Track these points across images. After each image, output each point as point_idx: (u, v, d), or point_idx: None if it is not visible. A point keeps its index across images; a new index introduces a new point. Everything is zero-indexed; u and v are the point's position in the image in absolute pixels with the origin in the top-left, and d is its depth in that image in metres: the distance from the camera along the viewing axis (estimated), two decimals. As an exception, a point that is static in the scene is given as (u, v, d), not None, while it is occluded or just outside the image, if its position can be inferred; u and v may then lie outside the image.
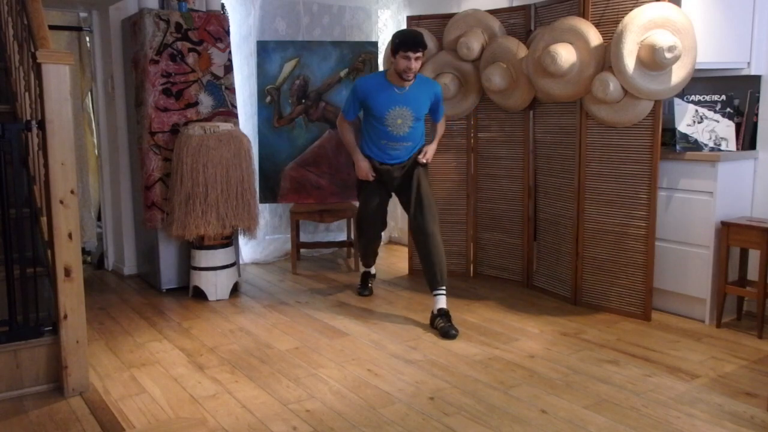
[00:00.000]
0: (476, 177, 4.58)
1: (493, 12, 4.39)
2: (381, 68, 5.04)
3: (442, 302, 3.67)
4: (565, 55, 3.67)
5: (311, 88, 4.99)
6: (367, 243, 4.18)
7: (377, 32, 5.77)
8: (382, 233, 4.25)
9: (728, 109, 3.73)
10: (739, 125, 3.74)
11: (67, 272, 2.79)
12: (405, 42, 3.53)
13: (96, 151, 5.26)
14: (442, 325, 3.54)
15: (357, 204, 5.11)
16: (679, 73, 3.48)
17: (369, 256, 4.31)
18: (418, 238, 3.71)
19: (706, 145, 3.71)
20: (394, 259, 5.38)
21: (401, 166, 3.86)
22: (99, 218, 5.38)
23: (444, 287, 3.70)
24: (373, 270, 4.47)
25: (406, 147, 3.83)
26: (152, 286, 4.63)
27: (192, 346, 3.46)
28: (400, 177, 3.87)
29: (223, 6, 4.74)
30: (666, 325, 3.66)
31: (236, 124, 4.52)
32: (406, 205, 3.88)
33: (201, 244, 4.25)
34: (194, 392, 2.89)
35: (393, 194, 4.03)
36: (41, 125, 2.77)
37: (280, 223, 5.53)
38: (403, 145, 3.81)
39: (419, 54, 3.57)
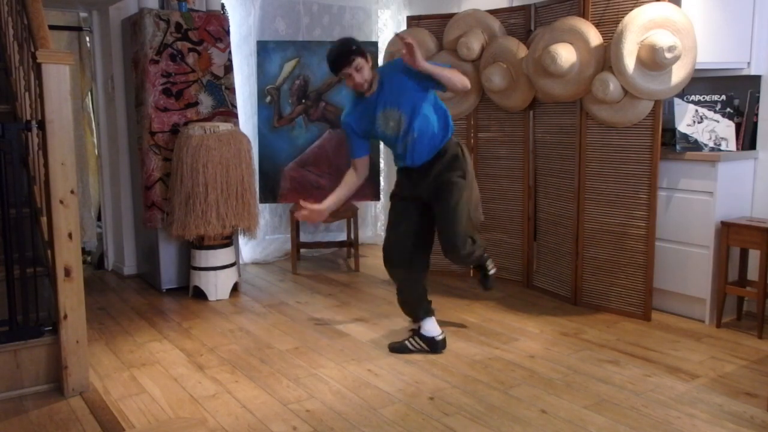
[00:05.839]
0: (476, 177, 4.57)
1: (493, 12, 4.39)
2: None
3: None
4: (565, 55, 3.67)
5: (311, 88, 4.99)
6: (394, 279, 3.33)
7: (377, 32, 5.77)
8: (422, 273, 3.30)
9: (728, 109, 3.73)
10: (739, 125, 3.74)
11: (67, 272, 2.79)
12: (333, 63, 3.06)
13: (96, 151, 5.26)
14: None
15: (357, 205, 5.14)
16: (679, 73, 3.48)
17: (404, 306, 3.37)
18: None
19: (706, 145, 3.71)
20: (394, 259, 5.38)
21: (429, 167, 3.17)
22: (99, 218, 5.38)
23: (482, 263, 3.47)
24: (429, 326, 3.31)
25: (421, 142, 3.11)
26: (152, 286, 4.63)
27: (192, 346, 3.46)
28: (432, 182, 3.17)
29: (223, 6, 4.74)
30: (666, 325, 3.66)
31: (236, 124, 4.52)
32: (437, 222, 3.22)
33: (201, 244, 4.25)
34: (194, 392, 2.89)
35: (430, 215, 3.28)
36: (41, 125, 2.77)
37: (280, 223, 5.53)
38: (412, 141, 3.11)
39: (350, 69, 3.01)
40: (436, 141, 3.14)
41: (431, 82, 3.05)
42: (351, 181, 3.26)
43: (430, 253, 3.33)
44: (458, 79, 3.06)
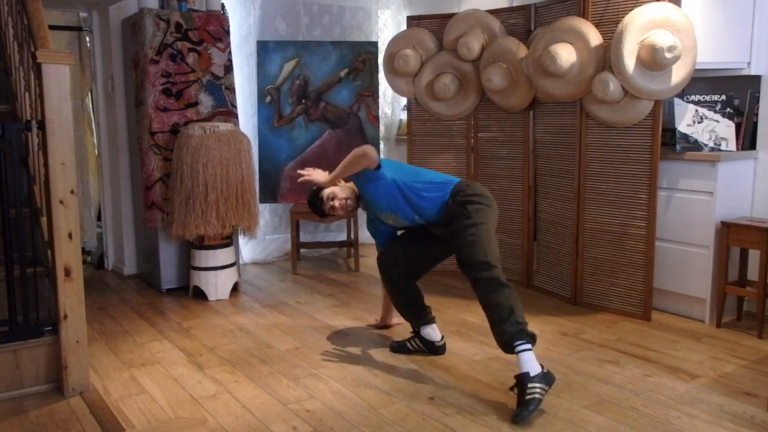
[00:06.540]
0: (476, 177, 4.58)
1: (493, 12, 4.39)
2: (380, 69, 5.03)
3: (522, 364, 2.66)
4: (565, 55, 3.67)
5: (311, 88, 4.99)
6: (385, 287, 3.37)
7: (377, 32, 5.77)
8: (409, 283, 3.28)
9: (728, 109, 3.73)
10: (739, 125, 3.74)
11: (67, 272, 2.79)
12: (316, 212, 3.19)
13: (96, 151, 5.26)
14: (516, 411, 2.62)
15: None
16: (679, 73, 3.48)
17: (396, 306, 3.37)
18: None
19: (706, 145, 3.71)
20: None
21: (434, 226, 3.14)
22: (99, 218, 5.38)
23: (516, 346, 2.69)
24: (429, 330, 3.29)
25: (427, 215, 3.09)
26: (152, 286, 4.63)
27: (192, 346, 3.46)
28: (441, 230, 3.11)
29: (223, 6, 4.74)
30: (666, 325, 3.66)
31: (236, 124, 4.52)
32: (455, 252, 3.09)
33: (201, 244, 4.25)
34: (194, 392, 2.89)
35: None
36: (41, 125, 2.77)
37: (280, 223, 5.53)
38: (417, 221, 3.14)
39: (327, 204, 3.12)
40: (434, 206, 3.06)
41: (367, 172, 3.03)
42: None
43: (423, 274, 3.31)
44: (357, 161, 3.01)
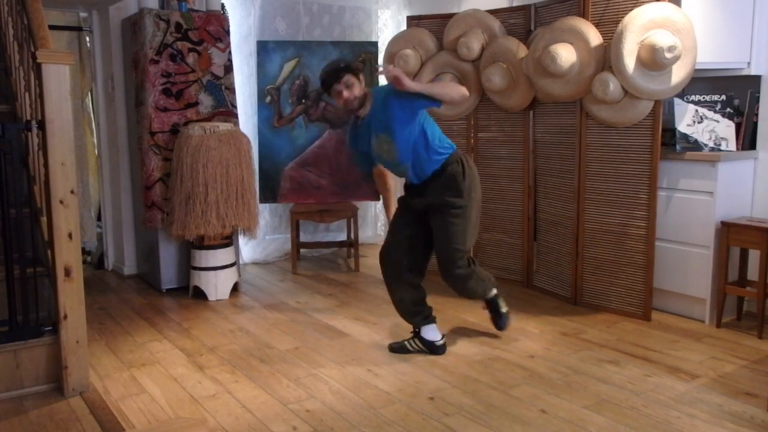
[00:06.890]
0: (476, 177, 4.58)
1: (493, 12, 4.39)
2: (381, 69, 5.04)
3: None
4: (565, 55, 3.67)
5: (311, 88, 4.99)
6: (388, 285, 3.29)
7: (377, 32, 5.78)
8: (415, 279, 3.28)
9: (728, 109, 3.73)
10: (739, 125, 3.74)
11: (67, 272, 2.79)
12: (323, 82, 3.09)
13: (96, 151, 5.26)
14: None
15: (357, 205, 5.14)
16: (679, 73, 3.48)
17: (399, 306, 3.32)
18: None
19: (706, 145, 3.71)
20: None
21: (426, 184, 3.17)
22: (99, 218, 5.38)
23: (487, 298, 3.44)
24: (429, 330, 3.31)
25: (416, 167, 3.14)
26: (152, 286, 4.63)
27: (192, 346, 3.46)
28: (428, 200, 3.18)
29: (223, 6, 4.74)
30: (666, 325, 3.66)
31: (236, 124, 4.52)
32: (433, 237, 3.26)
33: (201, 244, 4.25)
34: (194, 392, 2.89)
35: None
36: (41, 125, 2.77)
37: (280, 223, 5.53)
38: (405, 168, 3.16)
39: (339, 85, 3.02)
40: (432, 164, 3.13)
41: (424, 100, 3.00)
42: (386, 182, 3.42)
43: (425, 263, 3.32)
44: (454, 91, 3.04)
